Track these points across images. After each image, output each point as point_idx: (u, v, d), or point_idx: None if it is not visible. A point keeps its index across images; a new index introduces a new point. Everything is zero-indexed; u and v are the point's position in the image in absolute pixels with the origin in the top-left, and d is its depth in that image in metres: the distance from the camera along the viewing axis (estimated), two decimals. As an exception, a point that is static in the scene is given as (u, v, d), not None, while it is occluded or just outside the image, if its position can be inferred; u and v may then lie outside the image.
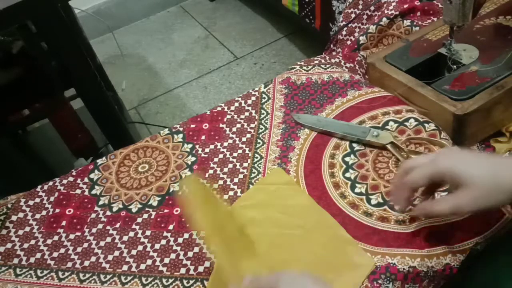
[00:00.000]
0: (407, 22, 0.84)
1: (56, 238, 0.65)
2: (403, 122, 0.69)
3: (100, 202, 0.69)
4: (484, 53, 0.70)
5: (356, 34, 0.93)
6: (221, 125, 0.76)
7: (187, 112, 1.77)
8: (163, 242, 0.63)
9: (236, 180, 0.68)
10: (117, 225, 0.65)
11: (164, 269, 0.60)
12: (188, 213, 0.54)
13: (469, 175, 0.48)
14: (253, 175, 0.68)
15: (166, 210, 0.66)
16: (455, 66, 0.70)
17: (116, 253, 0.62)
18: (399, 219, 0.58)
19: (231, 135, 0.75)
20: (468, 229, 0.56)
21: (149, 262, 0.61)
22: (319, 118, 0.73)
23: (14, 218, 0.68)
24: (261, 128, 0.75)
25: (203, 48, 2.09)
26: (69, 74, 1.07)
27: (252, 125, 0.75)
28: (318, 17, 1.50)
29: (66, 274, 0.61)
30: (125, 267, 0.61)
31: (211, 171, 0.70)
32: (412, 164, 0.53)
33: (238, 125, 0.76)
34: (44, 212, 0.69)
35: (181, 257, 0.60)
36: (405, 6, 0.85)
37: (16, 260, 0.63)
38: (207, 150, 0.73)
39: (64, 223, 0.67)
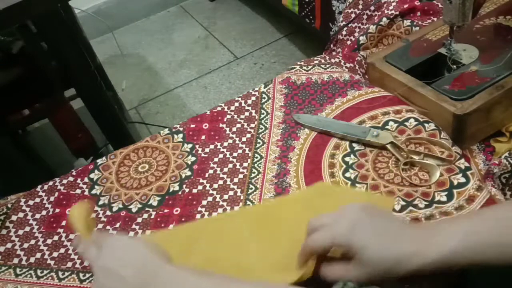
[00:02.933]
0: (407, 22, 0.84)
1: (56, 238, 0.65)
2: (403, 122, 0.69)
3: (100, 202, 0.69)
4: (484, 53, 0.70)
5: (356, 34, 0.92)
6: (221, 125, 0.76)
7: (187, 112, 1.77)
8: (163, 242, 0.62)
9: (236, 180, 0.68)
10: (117, 225, 0.65)
11: (164, 269, 0.60)
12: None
13: (360, 252, 0.47)
14: (253, 175, 0.68)
15: (166, 210, 0.66)
16: (455, 66, 0.70)
17: (116, 253, 0.62)
18: (399, 219, 0.58)
19: (231, 135, 0.75)
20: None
21: (149, 262, 0.61)
22: (319, 118, 0.73)
23: (14, 218, 0.68)
24: (261, 128, 0.75)
25: (203, 48, 2.09)
26: (69, 74, 1.07)
27: (252, 125, 0.75)
28: (318, 17, 1.50)
29: (66, 274, 0.61)
30: (125, 267, 0.61)
31: (211, 171, 0.70)
32: (315, 225, 0.50)
33: (238, 125, 0.76)
34: (44, 212, 0.69)
35: (181, 257, 0.60)
36: (405, 6, 0.85)
37: (16, 260, 0.63)
38: (207, 150, 0.73)
39: (64, 223, 0.67)
